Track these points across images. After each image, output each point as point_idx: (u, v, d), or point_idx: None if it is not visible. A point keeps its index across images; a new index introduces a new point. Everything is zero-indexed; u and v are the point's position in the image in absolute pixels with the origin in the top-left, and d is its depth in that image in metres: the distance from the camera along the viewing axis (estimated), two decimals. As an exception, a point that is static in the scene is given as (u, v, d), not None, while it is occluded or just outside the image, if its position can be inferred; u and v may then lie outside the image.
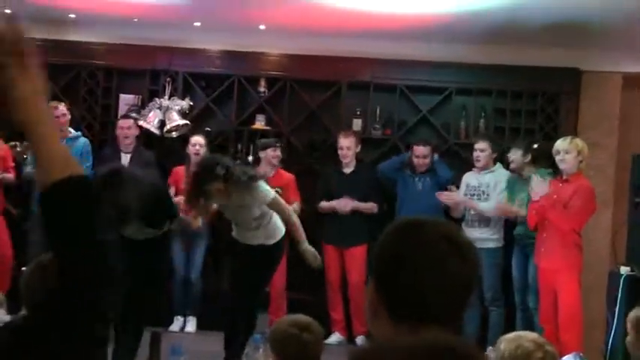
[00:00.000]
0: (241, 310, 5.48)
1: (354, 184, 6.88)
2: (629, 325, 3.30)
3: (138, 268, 4.88)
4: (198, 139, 6.98)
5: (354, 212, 6.87)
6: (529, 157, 6.41)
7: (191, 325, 6.98)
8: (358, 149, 6.98)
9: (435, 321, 1.39)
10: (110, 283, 1.48)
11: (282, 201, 5.44)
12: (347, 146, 6.88)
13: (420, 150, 6.77)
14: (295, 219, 5.41)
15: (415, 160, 6.79)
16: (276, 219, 5.46)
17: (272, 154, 6.81)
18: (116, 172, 4.79)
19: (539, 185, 5.87)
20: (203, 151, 6.91)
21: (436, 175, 6.73)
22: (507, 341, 2.78)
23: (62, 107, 6.82)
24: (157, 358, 3.85)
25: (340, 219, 6.81)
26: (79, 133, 7.03)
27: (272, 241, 5.51)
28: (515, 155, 6.55)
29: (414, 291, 1.40)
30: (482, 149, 6.64)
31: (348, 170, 7.02)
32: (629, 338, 3.33)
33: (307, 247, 5.38)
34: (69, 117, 6.88)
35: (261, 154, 6.81)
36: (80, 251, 1.43)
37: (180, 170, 7.05)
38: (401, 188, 6.87)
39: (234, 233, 5.59)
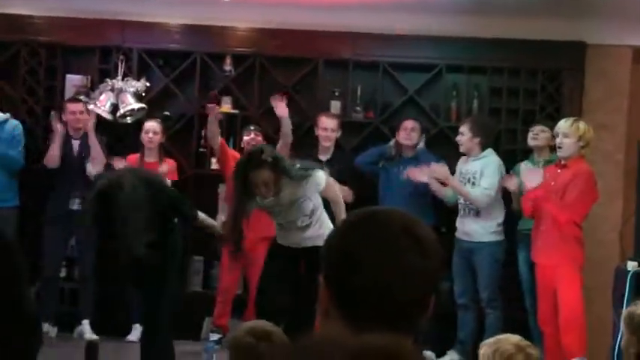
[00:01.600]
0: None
1: (330, 172, 6.43)
2: (622, 324, 3.19)
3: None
4: (152, 125, 6.82)
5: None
6: (554, 141, 6.18)
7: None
8: (339, 134, 6.85)
9: (392, 323, 1.32)
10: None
11: (334, 181, 5.41)
12: (332, 128, 6.75)
13: (409, 123, 6.74)
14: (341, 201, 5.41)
15: (402, 135, 6.70)
16: (324, 212, 5.33)
17: (247, 139, 6.68)
18: (104, 192, 4.85)
19: (533, 174, 5.88)
20: (158, 139, 6.78)
21: (420, 164, 6.60)
22: (487, 346, 2.82)
23: None
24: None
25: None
26: (8, 115, 6.78)
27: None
28: (544, 133, 6.42)
29: (367, 291, 1.36)
30: (461, 132, 6.52)
31: (324, 157, 6.80)
32: (623, 338, 3.22)
33: None
34: None
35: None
36: None
37: (133, 159, 6.85)
38: (383, 180, 6.77)
39: (278, 239, 5.42)
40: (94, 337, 6.39)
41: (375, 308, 1.36)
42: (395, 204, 6.14)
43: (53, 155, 6.64)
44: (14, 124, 6.72)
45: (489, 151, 6.48)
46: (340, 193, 5.38)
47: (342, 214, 5.24)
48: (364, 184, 6.77)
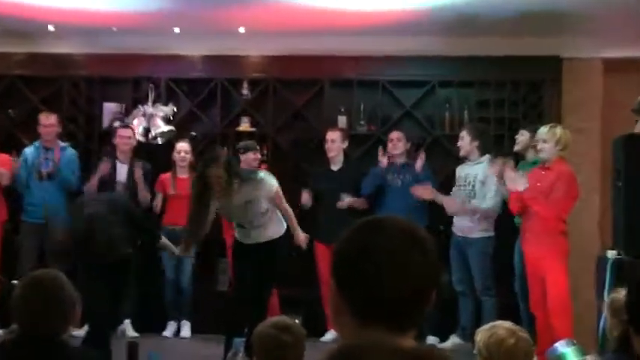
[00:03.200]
0: (244, 311, 5.57)
1: (343, 180, 6.89)
2: (605, 309, 3.36)
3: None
4: (183, 146, 7.07)
5: (344, 208, 6.86)
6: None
7: (186, 330, 7.02)
8: (345, 145, 7.03)
9: (398, 319, 1.41)
10: None
11: (280, 191, 5.65)
12: (332, 139, 6.93)
13: (394, 134, 6.91)
14: (289, 208, 5.76)
15: (389, 145, 6.87)
16: (277, 211, 5.64)
17: (252, 157, 6.85)
18: (87, 224, 5.10)
19: (518, 180, 5.87)
20: (189, 157, 7.02)
21: (414, 172, 6.79)
22: (483, 331, 2.91)
23: (53, 118, 7.03)
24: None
25: (330, 216, 6.78)
26: (67, 144, 7.18)
27: (279, 234, 5.69)
28: (522, 137, 6.53)
29: (375, 289, 1.40)
30: (461, 137, 6.66)
31: (335, 167, 7.05)
32: (607, 322, 3.34)
33: (300, 231, 5.80)
34: (59, 129, 7.10)
35: (242, 157, 6.85)
36: None
37: (166, 177, 7.15)
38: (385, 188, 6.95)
39: (237, 236, 5.70)
40: (135, 334, 6.63)
41: (384, 304, 1.40)
42: (392, 207, 6.54)
43: (93, 185, 6.85)
44: (72, 152, 7.08)
45: (488, 157, 6.53)
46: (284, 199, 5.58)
47: (293, 222, 5.69)
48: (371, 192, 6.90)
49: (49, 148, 7.04)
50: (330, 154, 6.98)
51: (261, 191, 5.52)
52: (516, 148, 6.55)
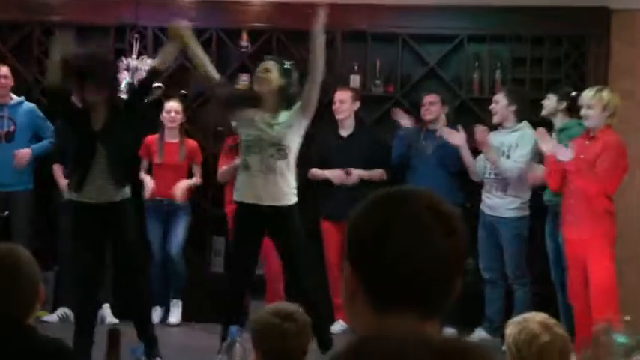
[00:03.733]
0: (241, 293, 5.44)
1: (352, 148, 6.65)
2: None
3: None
4: (173, 105, 6.78)
5: (360, 181, 6.62)
6: (564, 105, 6.19)
7: (175, 315, 6.74)
8: (357, 107, 6.75)
9: (421, 304, 1.38)
10: None
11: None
12: (340, 99, 6.66)
13: (429, 97, 6.68)
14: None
15: (423, 110, 6.64)
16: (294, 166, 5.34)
17: None
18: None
19: (561, 152, 5.72)
20: (179, 118, 6.76)
21: (444, 141, 6.55)
22: (513, 325, 2.79)
23: (4, 69, 6.72)
24: (115, 357, 3.66)
25: (341, 190, 6.56)
26: (23, 98, 6.80)
27: (288, 202, 5.32)
28: (549, 101, 6.31)
29: (396, 271, 1.37)
30: (496, 100, 6.42)
31: (345, 133, 6.77)
32: None
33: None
34: (11, 81, 6.75)
35: None
36: None
37: (152, 140, 6.85)
38: (408, 156, 6.75)
39: (240, 193, 5.35)
40: (115, 320, 6.41)
41: (402, 289, 1.37)
42: (421, 180, 6.27)
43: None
44: (31, 108, 6.73)
45: (525, 124, 6.38)
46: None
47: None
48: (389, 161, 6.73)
49: (2, 104, 6.67)
50: (339, 117, 6.70)
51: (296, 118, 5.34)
52: (543, 112, 6.33)
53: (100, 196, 5.11)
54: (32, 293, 2.54)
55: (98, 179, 5.09)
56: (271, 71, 5.37)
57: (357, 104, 6.73)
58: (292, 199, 5.35)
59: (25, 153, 6.57)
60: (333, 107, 6.68)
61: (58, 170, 6.61)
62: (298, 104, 5.32)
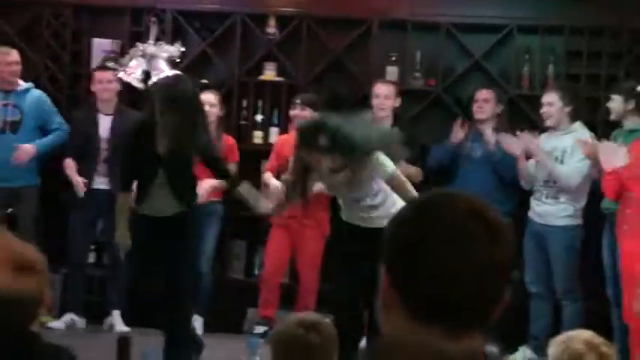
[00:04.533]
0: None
1: None
2: None
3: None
4: (207, 98, 6.45)
5: None
6: (632, 104, 5.98)
7: (196, 327, 6.46)
8: (397, 104, 6.61)
9: (460, 318, 1.34)
10: None
11: (402, 177, 5.01)
12: (384, 95, 6.50)
13: (482, 93, 6.55)
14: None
15: (475, 108, 6.54)
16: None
17: (292, 114, 6.50)
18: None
19: (614, 153, 5.63)
20: (215, 111, 6.54)
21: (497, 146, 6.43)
22: (556, 344, 2.76)
23: (13, 54, 6.61)
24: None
25: None
26: (31, 84, 6.69)
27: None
28: (614, 103, 6.10)
29: (434, 282, 1.33)
30: (549, 102, 6.23)
31: None
32: None
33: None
34: (19, 67, 6.64)
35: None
36: None
37: None
38: (455, 160, 6.69)
39: (343, 215, 5.22)
40: (125, 328, 6.31)
41: (442, 301, 1.34)
42: (466, 183, 6.24)
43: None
44: (37, 95, 6.62)
45: (579, 125, 6.23)
46: (409, 185, 5.02)
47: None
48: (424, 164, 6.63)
49: (9, 91, 6.56)
50: (381, 114, 6.49)
51: (372, 172, 5.01)
52: (612, 117, 6.17)
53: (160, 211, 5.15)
54: (38, 297, 2.46)
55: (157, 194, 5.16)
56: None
57: (399, 100, 6.63)
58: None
59: (27, 149, 6.44)
60: (374, 102, 6.53)
61: (70, 165, 6.46)
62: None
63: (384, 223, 4.78)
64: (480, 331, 1.37)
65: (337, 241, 5.41)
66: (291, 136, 6.58)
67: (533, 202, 6.23)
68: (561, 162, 6.19)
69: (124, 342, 3.87)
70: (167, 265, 5.09)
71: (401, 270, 1.37)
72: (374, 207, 5.03)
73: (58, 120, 6.58)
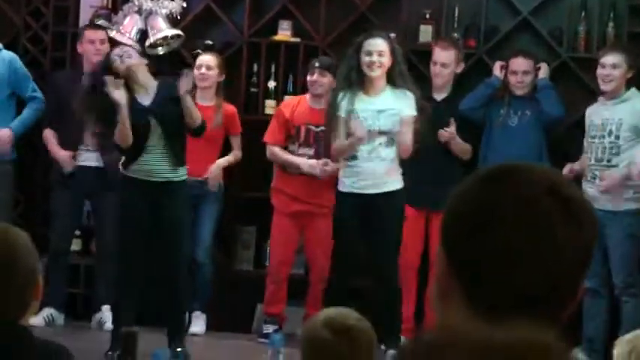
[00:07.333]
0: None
1: (446, 116, 6.29)
2: None
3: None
4: (204, 60, 6.39)
5: (446, 153, 6.31)
6: None
7: (199, 325, 6.46)
8: (460, 70, 6.41)
9: (531, 309, 1.26)
10: None
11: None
12: (442, 62, 6.28)
13: (519, 63, 6.31)
14: None
15: (511, 79, 6.34)
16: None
17: (310, 80, 6.25)
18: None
19: None
20: (214, 75, 6.36)
21: (539, 109, 6.28)
22: (623, 343, 2.77)
23: None
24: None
25: (424, 168, 6.17)
26: (0, 45, 6.48)
27: (395, 186, 5.60)
28: None
29: (502, 267, 1.27)
30: (613, 64, 5.95)
31: (439, 97, 6.42)
32: None
33: None
34: None
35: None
36: None
37: None
38: (487, 127, 6.48)
39: (345, 182, 5.60)
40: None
41: (510, 288, 1.27)
42: (501, 153, 6.14)
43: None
44: (9, 57, 6.35)
45: (634, 92, 6.02)
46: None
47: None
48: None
49: None
50: (438, 82, 6.41)
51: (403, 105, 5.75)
52: None
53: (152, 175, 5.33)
54: (29, 287, 2.43)
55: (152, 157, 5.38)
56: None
57: (462, 66, 6.41)
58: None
59: (3, 135, 6.25)
60: (433, 70, 6.37)
61: (50, 136, 6.32)
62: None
63: (387, 187, 5.56)
64: (552, 324, 1.28)
65: (342, 221, 5.58)
66: (301, 102, 6.41)
67: (584, 185, 6.01)
68: (617, 137, 6.00)
69: (130, 337, 3.83)
70: (157, 247, 5.24)
71: (463, 254, 1.31)
72: (385, 158, 5.48)
73: (31, 86, 6.37)
